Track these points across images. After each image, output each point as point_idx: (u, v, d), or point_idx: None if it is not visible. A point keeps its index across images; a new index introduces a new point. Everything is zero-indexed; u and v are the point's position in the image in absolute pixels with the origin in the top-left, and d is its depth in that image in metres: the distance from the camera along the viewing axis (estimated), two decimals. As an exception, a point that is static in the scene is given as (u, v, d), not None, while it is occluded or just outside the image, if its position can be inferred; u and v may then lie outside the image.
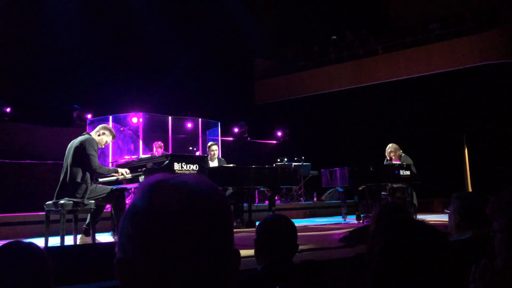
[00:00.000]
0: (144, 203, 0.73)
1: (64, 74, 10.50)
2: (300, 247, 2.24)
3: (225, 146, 10.06)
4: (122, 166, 6.14)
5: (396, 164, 7.58)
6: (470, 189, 10.68)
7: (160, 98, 11.32)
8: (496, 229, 1.45)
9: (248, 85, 15.14)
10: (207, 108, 11.71)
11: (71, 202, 4.77)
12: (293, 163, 10.56)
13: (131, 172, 5.44)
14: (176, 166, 5.33)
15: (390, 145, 7.81)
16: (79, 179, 4.88)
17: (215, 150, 7.75)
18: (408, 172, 7.39)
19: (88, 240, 5.04)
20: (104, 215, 5.58)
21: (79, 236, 5.08)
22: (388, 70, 12.75)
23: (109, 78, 11.03)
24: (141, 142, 9.50)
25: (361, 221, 7.38)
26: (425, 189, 8.76)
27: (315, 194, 11.32)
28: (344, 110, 13.17)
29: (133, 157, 8.02)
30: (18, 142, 9.26)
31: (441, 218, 7.55)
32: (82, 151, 4.94)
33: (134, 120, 9.60)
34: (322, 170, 8.38)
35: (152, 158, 5.96)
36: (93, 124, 9.37)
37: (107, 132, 5.26)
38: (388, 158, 7.83)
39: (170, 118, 9.91)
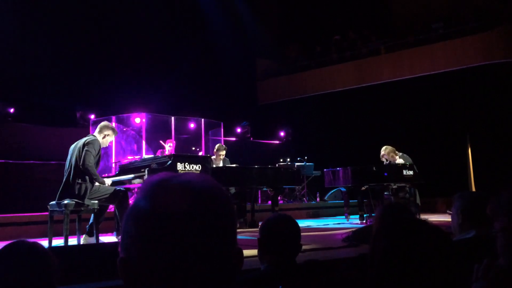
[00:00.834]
0: (147, 203, 0.72)
1: (67, 74, 10.53)
2: (303, 247, 2.25)
3: (227, 146, 10.02)
4: (125, 166, 6.16)
5: (399, 164, 7.57)
6: (473, 189, 10.66)
7: (163, 99, 11.34)
8: (497, 229, 1.45)
9: (251, 85, 15.14)
10: (210, 108, 11.72)
11: (74, 202, 4.78)
12: (296, 163, 10.56)
13: (134, 172, 5.46)
14: (179, 166, 5.34)
15: (384, 147, 7.79)
16: (82, 179, 4.89)
17: (223, 155, 7.71)
18: (411, 172, 7.37)
19: (92, 240, 5.05)
20: (108, 215, 5.60)
21: (82, 236, 5.09)
22: (391, 70, 12.73)
23: (112, 79, 11.05)
24: (144, 142, 9.52)
25: (364, 221, 7.37)
26: (429, 188, 8.74)
27: (318, 194, 11.31)
28: (346, 110, 13.16)
29: (136, 157, 8.04)
30: (22, 143, 9.28)
31: (444, 218, 7.54)
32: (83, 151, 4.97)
33: (137, 120, 9.62)
34: (325, 170, 8.37)
35: (155, 158, 5.98)
36: (96, 125, 9.38)
37: (110, 132, 5.30)
38: (383, 160, 7.81)
39: (173, 118, 9.93)
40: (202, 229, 0.71)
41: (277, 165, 9.89)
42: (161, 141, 8.48)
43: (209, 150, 10.26)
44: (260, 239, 2.06)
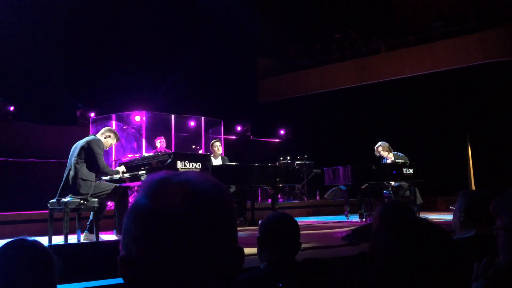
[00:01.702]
0: (147, 202, 0.72)
1: (67, 72, 10.52)
2: (303, 245, 2.25)
3: (228, 145, 10.05)
4: (125, 164, 6.15)
5: (399, 162, 7.58)
6: (473, 188, 10.66)
7: (163, 97, 11.33)
8: (499, 227, 1.45)
9: (251, 84, 15.14)
10: (210, 107, 11.71)
11: (74, 200, 4.80)
12: (296, 162, 10.56)
13: (133, 171, 5.47)
14: (179, 164, 5.34)
15: (381, 142, 7.82)
16: (83, 177, 4.93)
17: (219, 146, 7.71)
18: (411, 171, 7.38)
19: (92, 237, 5.07)
20: (108, 213, 5.60)
21: (82, 234, 5.11)
22: (391, 69, 12.72)
23: (112, 77, 11.05)
24: (144, 140, 9.52)
25: (364, 220, 7.38)
26: (429, 187, 8.74)
27: (318, 193, 11.31)
28: (347, 108, 13.15)
29: (136, 155, 8.04)
30: (22, 141, 9.28)
31: (444, 216, 7.54)
32: (88, 150, 5.04)
33: (137, 118, 9.62)
34: (325, 168, 8.37)
35: (155, 156, 5.98)
36: (96, 123, 9.39)
37: (112, 135, 5.39)
38: (378, 155, 7.82)
39: (173, 116, 9.92)
40: (202, 227, 0.71)
41: (277, 163, 9.90)
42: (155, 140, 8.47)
43: (209, 148, 10.26)
44: (260, 238, 2.06)
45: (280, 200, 9.80)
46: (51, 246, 3.92)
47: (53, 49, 10.31)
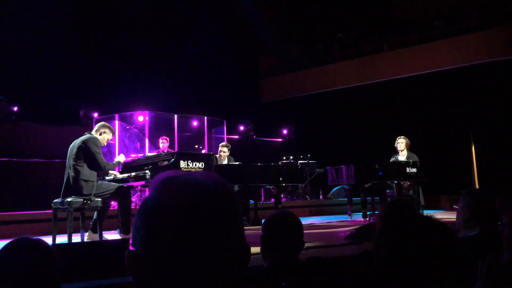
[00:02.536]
0: (154, 198, 0.74)
1: (70, 72, 10.55)
2: (306, 244, 2.24)
3: (230, 144, 10.03)
4: (129, 164, 6.17)
5: (402, 161, 7.56)
6: (477, 187, 10.63)
7: (165, 97, 11.34)
8: (505, 223, 1.45)
9: (253, 83, 15.14)
10: (213, 106, 11.72)
11: (78, 200, 4.80)
12: (299, 161, 10.55)
13: (137, 170, 5.48)
14: (182, 164, 5.35)
15: (402, 136, 7.77)
16: (85, 178, 4.91)
17: (223, 152, 7.71)
18: (414, 170, 7.36)
19: (96, 237, 5.07)
20: (111, 213, 5.61)
21: (86, 234, 5.11)
22: (393, 67, 12.70)
23: (115, 77, 11.07)
24: (147, 140, 9.53)
25: (367, 219, 7.36)
26: (432, 186, 8.72)
27: (321, 192, 11.30)
28: (349, 107, 13.14)
29: (139, 155, 8.06)
30: (25, 141, 9.31)
31: (448, 215, 7.52)
32: (86, 150, 4.98)
33: (140, 118, 9.64)
34: (328, 167, 8.36)
35: (158, 156, 5.98)
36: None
37: (107, 130, 5.29)
38: (396, 147, 7.78)
39: (175, 116, 9.94)
40: (206, 224, 0.71)
41: (280, 163, 9.90)
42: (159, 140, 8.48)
43: (212, 148, 10.27)
44: (263, 236, 2.06)
45: (283, 200, 9.80)
46: (54, 246, 3.94)
47: (57, 49, 10.34)
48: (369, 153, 8.76)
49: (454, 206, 2.34)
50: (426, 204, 7.95)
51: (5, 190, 7.91)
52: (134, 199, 7.39)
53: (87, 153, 4.97)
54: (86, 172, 4.95)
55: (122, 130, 9.74)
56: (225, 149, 7.73)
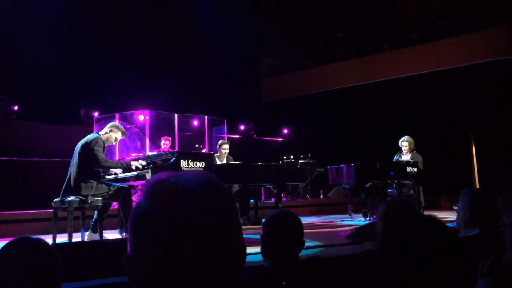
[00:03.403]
0: (144, 203, 0.74)
1: (71, 72, 10.55)
2: (307, 244, 2.24)
3: (231, 144, 10.02)
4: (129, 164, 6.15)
5: (403, 161, 7.55)
6: (477, 186, 10.61)
7: (166, 96, 11.34)
8: (506, 224, 1.44)
9: (254, 83, 15.14)
10: (213, 106, 11.72)
11: (78, 199, 4.80)
12: (300, 161, 10.54)
13: (138, 169, 5.45)
14: (183, 163, 5.34)
15: (406, 137, 7.75)
16: (85, 178, 4.91)
17: (226, 149, 7.72)
18: (415, 169, 7.35)
19: (96, 236, 5.07)
20: (112, 212, 5.61)
21: (86, 233, 5.11)
22: (395, 67, 12.69)
23: (116, 76, 11.07)
24: (147, 139, 9.53)
25: (367, 218, 7.36)
26: (433, 186, 8.71)
27: (321, 191, 11.30)
28: (350, 107, 13.13)
29: (139, 154, 8.05)
30: (26, 140, 9.31)
31: (448, 215, 7.51)
32: (87, 149, 5.00)
33: (141, 117, 9.63)
34: (328, 167, 8.36)
35: (158, 155, 5.97)
36: (100, 122, 9.41)
37: (114, 129, 5.30)
38: (400, 146, 7.75)
39: (176, 115, 9.92)
40: (194, 227, 0.71)
41: (280, 162, 9.89)
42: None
43: (212, 147, 10.26)
44: (264, 236, 2.06)
45: (284, 199, 9.80)
46: (55, 245, 3.94)
47: (57, 49, 10.34)
48: (370, 153, 8.75)
49: (453, 207, 2.34)
50: (426, 204, 7.94)
51: (5, 189, 7.90)
52: (134, 199, 7.39)
53: (88, 151, 4.98)
54: (88, 172, 4.95)
55: (123, 129, 9.73)
56: (226, 146, 7.73)
